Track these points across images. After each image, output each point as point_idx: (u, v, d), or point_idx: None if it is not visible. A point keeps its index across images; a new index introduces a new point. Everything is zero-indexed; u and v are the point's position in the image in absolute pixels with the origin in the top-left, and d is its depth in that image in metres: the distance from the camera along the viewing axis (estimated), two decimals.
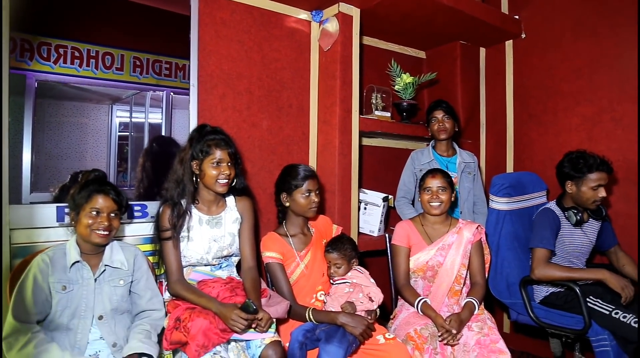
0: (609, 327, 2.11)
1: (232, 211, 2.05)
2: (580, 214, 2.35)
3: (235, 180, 2.01)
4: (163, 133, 2.91)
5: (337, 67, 2.57)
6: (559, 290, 2.36)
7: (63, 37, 2.75)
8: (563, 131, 2.94)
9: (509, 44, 3.21)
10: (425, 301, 2.15)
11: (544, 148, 3.01)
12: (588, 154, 2.31)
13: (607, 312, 2.14)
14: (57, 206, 1.96)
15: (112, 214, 1.72)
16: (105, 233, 1.69)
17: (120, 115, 3.38)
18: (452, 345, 2.03)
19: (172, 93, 2.85)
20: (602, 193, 2.28)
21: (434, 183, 2.25)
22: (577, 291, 2.16)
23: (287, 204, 2.14)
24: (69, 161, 2.78)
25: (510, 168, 3.22)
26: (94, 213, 1.68)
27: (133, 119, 3.36)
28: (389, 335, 1.99)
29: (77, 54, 2.83)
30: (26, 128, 2.76)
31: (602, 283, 2.22)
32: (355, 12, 2.62)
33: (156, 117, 3.22)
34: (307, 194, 2.10)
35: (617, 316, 2.11)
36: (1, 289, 1.72)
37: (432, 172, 2.30)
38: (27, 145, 2.72)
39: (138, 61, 3.03)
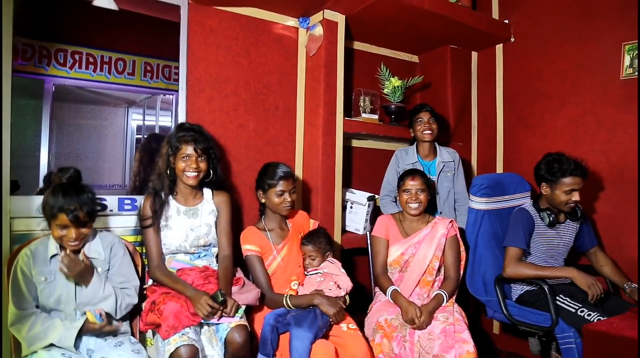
0: (574, 324, 2.14)
1: (209, 203, 2.21)
2: (553, 216, 2.39)
3: (211, 173, 2.19)
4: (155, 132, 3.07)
5: (322, 71, 2.70)
6: (532, 288, 2.40)
7: (78, 44, 2.95)
8: (549, 133, 2.98)
9: (499, 47, 3.26)
10: (396, 289, 2.25)
11: (532, 150, 3.04)
12: (565, 158, 2.35)
13: (574, 310, 2.18)
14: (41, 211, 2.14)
15: (80, 225, 1.75)
16: (76, 243, 1.77)
17: (136, 118, 3.60)
18: (420, 330, 2.12)
19: None
20: (575, 196, 2.31)
21: (413, 185, 2.36)
22: (546, 288, 2.21)
23: (263, 201, 2.29)
24: (88, 161, 2.94)
25: (500, 169, 3.26)
26: (62, 228, 1.74)
27: (146, 122, 3.58)
28: (352, 326, 2.11)
29: (91, 59, 3.01)
30: (44, 130, 2.99)
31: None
32: (340, 19, 2.74)
33: (166, 120, 3.42)
34: (281, 194, 2.22)
35: (582, 314, 2.14)
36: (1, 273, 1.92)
37: (412, 173, 2.41)
38: (44, 146, 2.94)
39: (149, 66, 3.22)
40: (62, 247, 1.84)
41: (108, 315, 1.82)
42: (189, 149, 2.09)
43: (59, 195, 1.73)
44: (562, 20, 2.91)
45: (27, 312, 1.75)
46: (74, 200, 1.73)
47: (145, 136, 3.17)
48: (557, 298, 2.25)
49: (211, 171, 2.19)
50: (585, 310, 2.14)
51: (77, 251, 1.85)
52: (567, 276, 2.27)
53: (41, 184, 2.59)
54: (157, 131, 3.42)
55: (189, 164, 2.09)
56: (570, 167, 2.30)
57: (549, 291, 2.20)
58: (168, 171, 2.13)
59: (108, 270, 1.93)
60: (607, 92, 2.69)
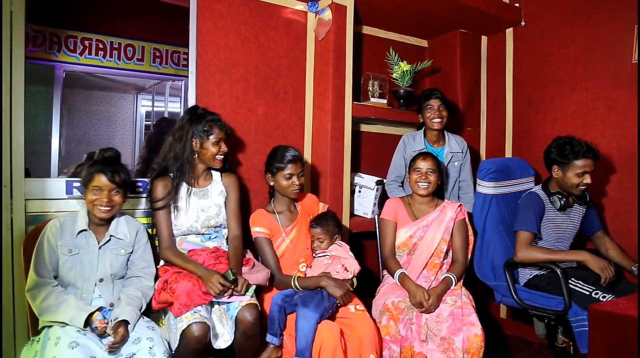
0: (588, 307, 2.15)
1: (218, 184, 2.25)
2: (564, 200, 2.38)
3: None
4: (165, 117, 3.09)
5: (330, 55, 2.70)
6: (542, 272, 2.41)
7: (88, 30, 2.97)
8: (560, 117, 2.96)
9: (509, 32, 3.24)
10: (404, 272, 2.27)
11: (542, 135, 3.02)
12: (575, 141, 2.34)
13: (587, 293, 2.18)
14: (66, 180, 2.18)
15: (114, 192, 1.88)
16: (107, 208, 1.87)
17: (145, 104, 3.63)
18: (428, 313, 2.15)
19: None
20: (587, 179, 2.31)
21: (424, 165, 2.38)
22: (559, 272, 2.21)
23: (271, 184, 2.31)
24: (98, 147, 2.96)
25: (509, 154, 3.26)
26: (96, 190, 1.86)
27: (155, 108, 3.61)
28: (359, 307, 2.14)
29: (101, 45, 3.04)
30: (55, 116, 3.03)
31: (586, 267, 2.27)
32: (349, 3, 2.73)
33: (175, 106, 3.44)
34: (289, 177, 2.24)
35: (596, 296, 2.14)
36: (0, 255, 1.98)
37: (424, 155, 2.44)
38: (55, 132, 2.97)
39: (158, 52, 3.25)
40: (90, 221, 1.92)
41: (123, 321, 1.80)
42: (221, 134, 2.16)
43: (98, 163, 1.90)
44: (573, 4, 2.87)
45: (45, 280, 1.82)
46: (112, 166, 1.89)
47: (154, 121, 3.21)
48: (570, 281, 2.24)
49: None
50: (600, 293, 2.14)
51: (103, 222, 1.94)
52: (579, 259, 2.28)
53: (56, 167, 2.66)
54: (166, 116, 3.45)
55: (221, 148, 2.15)
56: (583, 149, 2.30)
57: (562, 275, 2.20)
58: (193, 154, 2.17)
59: (131, 252, 2.00)
60: (619, 77, 2.66)
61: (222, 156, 2.19)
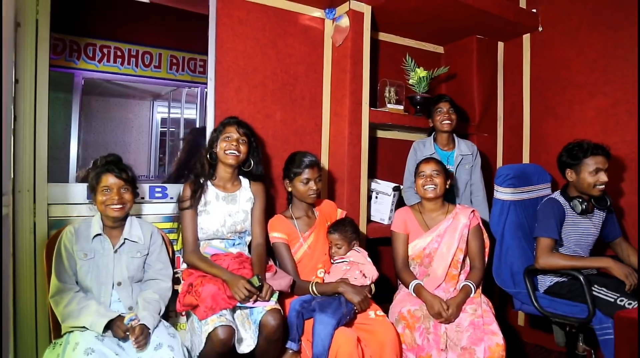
0: (613, 314, 2.09)
1: (246, 191, 2.28)
2: (585, 203, 2.35)
3: (251, 163, 2.30)
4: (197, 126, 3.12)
5: (348, 61, 2.72)
6: (563, 279, 2.37)
7: (107, 38, 3.00)
8: (578, 123, 2.94)
9: (526, 37, 3.23)
10: (419, 283, 2.24)
11: (560, 141, 2.95)
12: (585, 142, 2.34)
13: (612, 300, 2.14)
14: (87, 185, 2.22)
15: (122, 189, 1.93)
16: (119, 206, 1.91)
17: (161, 111, 3.67)
18: (447, 323, 2.12)
19: (206, 89, 3.07)
20: (602, 177, 2.27)
21: (428, 168, 2.36)
22: (582, 279, 2.17)
23: (289, 189, 2.33)
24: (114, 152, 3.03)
25: (526, 160, 3.23)
26: (105, 190, 1.91)
27: (171, 115, 3.64)
28: (379, 313, 2.12)
29: (119, 53, 3.07)
30: (73, 123, 3.07)
31: (606, 274, 2.23)
32: (366, 9, 2.75)
33: (191, 112, 3.47)
34: (306, 182, 2.26)
35: (622, 303, 2.09)
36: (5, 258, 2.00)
37: (426, 159, 2.44)
38: (74, 138, 3.01)
39: (175, 59, 3.28)
40: (104, 225, 1.94)
41: (142, 325, 1.79)
42: (231, 130, 2.20)
43: (103, 164, 1.96)
44: (593, 8, 2.86)
45: (67, 286, 1.84)
46: (117, 165, 1.96)
47: (189, 130, 3.24)
48: (593, 288, 2.21)
49: (251, 161, 2.29)
50: (625, 300, 2.09)
51: (117, 224, 1.95)
52: (603, 266, 2.24)
53: (74, 172, 2.68)
54: (181, 123, 3.48)
55: (230, 143, 2.18)
56: (590, 147, 2.30)
57: (585, 282, 2.16)
58: (209, 155, 2.23)
59: (147, 255, 2.02)
60: None
61: (234, 153, 2.18)
